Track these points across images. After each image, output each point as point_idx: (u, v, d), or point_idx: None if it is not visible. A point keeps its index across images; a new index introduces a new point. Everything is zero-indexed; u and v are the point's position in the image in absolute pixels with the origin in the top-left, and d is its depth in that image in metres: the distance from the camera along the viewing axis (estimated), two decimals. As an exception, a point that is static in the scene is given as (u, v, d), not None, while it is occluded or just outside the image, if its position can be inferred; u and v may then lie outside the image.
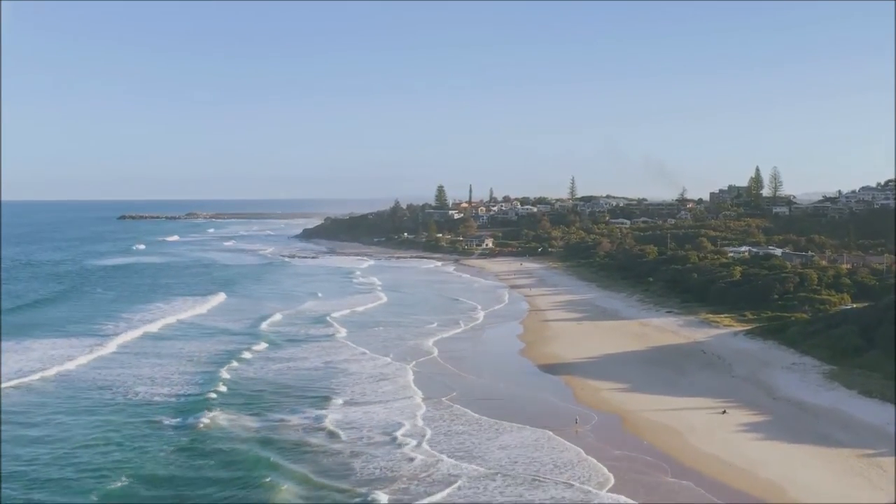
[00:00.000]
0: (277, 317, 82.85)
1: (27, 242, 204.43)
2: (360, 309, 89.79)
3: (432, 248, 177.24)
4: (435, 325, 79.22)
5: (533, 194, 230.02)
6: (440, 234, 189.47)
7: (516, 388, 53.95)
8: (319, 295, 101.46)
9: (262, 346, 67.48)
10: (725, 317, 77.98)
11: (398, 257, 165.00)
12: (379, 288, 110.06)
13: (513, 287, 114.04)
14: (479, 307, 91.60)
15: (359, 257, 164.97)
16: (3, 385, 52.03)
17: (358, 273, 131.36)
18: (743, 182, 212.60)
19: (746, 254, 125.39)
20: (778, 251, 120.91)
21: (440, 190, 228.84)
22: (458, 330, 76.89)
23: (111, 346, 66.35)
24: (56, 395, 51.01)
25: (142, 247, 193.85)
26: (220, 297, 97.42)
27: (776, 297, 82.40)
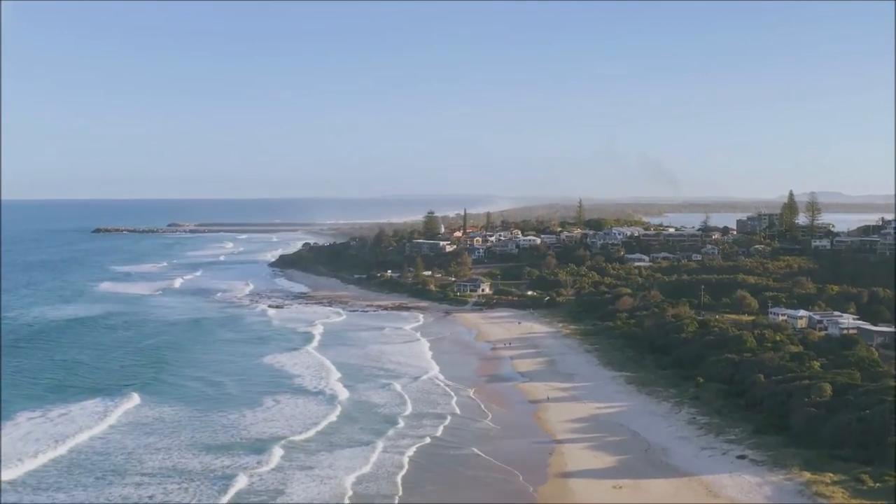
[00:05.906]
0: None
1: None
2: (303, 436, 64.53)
3: (419, 292, 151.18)
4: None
5: (529, 193, 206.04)
6: (429, 273, 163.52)
7: None
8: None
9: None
10: (834, 483, 52.48)
11: (378, 306, 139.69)
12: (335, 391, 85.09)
13: (512, 362, 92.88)
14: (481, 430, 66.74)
15: (329, 308, 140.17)
16: None
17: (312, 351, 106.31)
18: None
19: (804, 321, 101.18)
20: (850, 322, 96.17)
21: (430, 219, 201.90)
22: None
23: None
24: None
25: (96, 286, 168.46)
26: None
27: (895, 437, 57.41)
